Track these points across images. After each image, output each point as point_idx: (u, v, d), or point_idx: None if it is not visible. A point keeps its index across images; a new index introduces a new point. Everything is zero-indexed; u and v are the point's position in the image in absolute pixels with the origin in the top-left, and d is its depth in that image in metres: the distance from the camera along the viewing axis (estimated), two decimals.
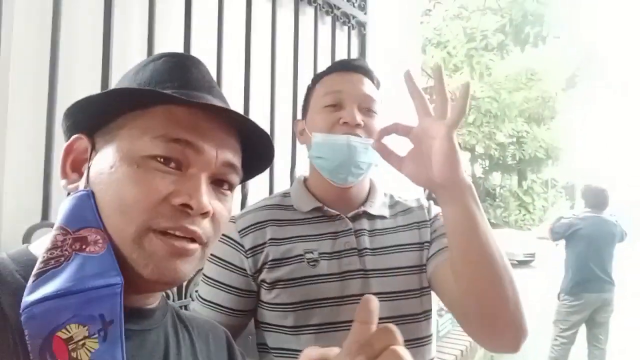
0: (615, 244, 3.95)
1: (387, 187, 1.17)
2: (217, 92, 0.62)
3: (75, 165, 0.58)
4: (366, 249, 1.01)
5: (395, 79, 2.64)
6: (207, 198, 0.54)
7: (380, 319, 0.95)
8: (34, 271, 0.48)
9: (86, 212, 0.53)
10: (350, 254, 1.00)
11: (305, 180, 1.13)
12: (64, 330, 0.45)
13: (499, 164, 17.51)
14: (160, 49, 1.37)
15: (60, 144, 0.64)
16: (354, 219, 1.04)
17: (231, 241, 1.01)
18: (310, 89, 1.10)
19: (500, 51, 7.75)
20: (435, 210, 1.11)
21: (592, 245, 3.90)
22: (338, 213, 1.04)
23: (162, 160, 0.53)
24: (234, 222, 1.02)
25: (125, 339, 0.50)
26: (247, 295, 0.99)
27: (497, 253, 0.84)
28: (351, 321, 0.85)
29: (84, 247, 0.50)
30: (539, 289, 4.44)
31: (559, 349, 3.92)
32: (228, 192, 0.59)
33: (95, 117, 0.57)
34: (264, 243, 1.00)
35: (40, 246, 0.55)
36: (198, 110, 0.56)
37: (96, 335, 0.46)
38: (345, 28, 2.28)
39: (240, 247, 1.00)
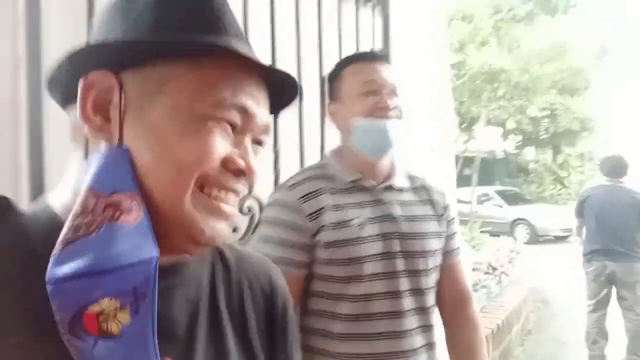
0: (636, 213, 3.78)
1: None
2: (244, 33, 0.59)
3: (98, 106, 0.50)
4: (400, 216, 1.21)
5: (417, 55, 2.60)
6: (254, 161, 0.54)
7: (413, 271, 1.16)
8: (62, 237, 0.44)
9: (121, 173, 0.48)
10: (388, 220, 1.19)
11: (337, 154, 1.29)
12: (94, 305, 0.43)
13: (532, 138, 17.05)
14: None
15: None
16: (385, 190, 1.23)
17: (293, 207, 1.16)
18: (337, 74, 1.26)
19: (530, 20, 7.50)
20: (449, 204, 1.34)
21: (602, 213, 3.82)
22: (375, 184, 1.23)
23: (223, 123, 0.52)
24: (291, 191, 1.18)
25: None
26: (308, 251, 1.15)
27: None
28: (391, 273, 1.16)
29: (117, 214, 0.46)
30: (575, 265, 4.36)
31: (588, 318, 3.89)
32: (261, 148, 0.59)
33: (122, 55, 0.51)
34: (321, 208, 1.16)
35: (59, 198, 0.52)
36: (245, 66, 0.53)
37: (127, 308, 0.44)
38: (369, 4, 2.27)
39: (302, 212, 1.15)
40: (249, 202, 1.66)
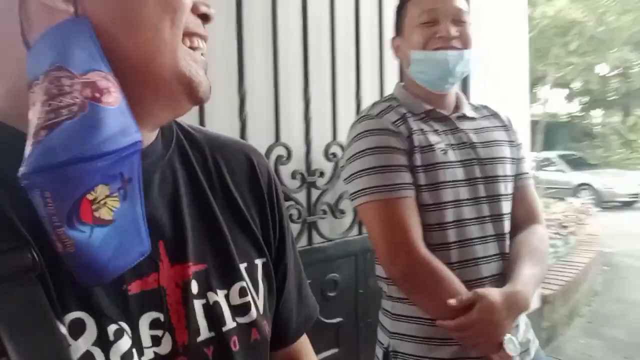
0: None
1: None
2: None
3: None
4: (476, 142, 1.20)
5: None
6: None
7: (494, 196, 1.19)
8: (43, 122, 0.39)
9: (89, 49, 0.42)
10: (466, 147, 1.18)
11: (406, 88, 1.26)
12: (92, 192, 0.40)
13: (600, 99, 16.03)
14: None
15: None
16: (458, 119, 1.22)
17: (390, 131, 1.14)
18: (400, 8, 1.23)
19: None
20: (516, 130, 1.32)
21: None
22: (446, 114, 1.21)
23: None
24: (381, 118, 1.16)
25: None
26: (412, 173, 1.12)
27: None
28: (472, 199, 1.16)
29: (97, 95, 0.41)
30: None
31: None
32: None
33: None
34: (412, 132, 1.14)
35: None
36: None
37: (116, 194, 0.42)
38: None
39: (401, 134, 1.13)
40: (333, 149, 1.69)
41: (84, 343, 0.42)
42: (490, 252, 1.15)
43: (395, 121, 1.15)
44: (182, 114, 0.52)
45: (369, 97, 1.77)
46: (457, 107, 1.25)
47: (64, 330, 0.41)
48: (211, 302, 0.52)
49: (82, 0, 0.43)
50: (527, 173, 1.29)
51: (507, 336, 1.04)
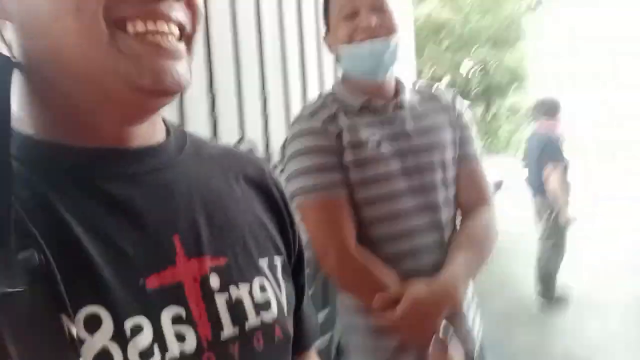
0: (540, 156, 4.10)
1: None
2: None
3: None
4: (411, 130, 1.19)
5: None
6: None
7: (430, 184, 1.14)
8: None
9: None
10: (401, 136, 1.17)
11: (344, 81, 1.25)
12: None
13: (465, 93, 17.55)
14: None
15: None
16: (395, 108, 1.20)
17: (319, 130, 1.14)
18: (326, 4, 1.21)
19: None
20: (462, 108, 1.28)
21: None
22: (383, 104, 1.19)
23: None
24: (313, 117, 1.15)
25: (133, 182, 0.47)
26: (344, 171, 1.13)
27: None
28: (408, 190, 1.11)
29: None
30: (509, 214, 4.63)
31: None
32: None
33: None
34: (342, 130, 1.14)
35: None
36: None
37: None
38: None
39: (329, 133, 1.13)
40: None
41: (101, 338, 0.40)
42: (429, 242, 1.14)
43: (325, 120, 1.15)
44: (151, 106, 0.47)
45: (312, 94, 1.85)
46: (396, 94, 1.23)
47: (75, 330, 0.38)
48: (233, 297, 0.50)
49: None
50: (472, 154, 1.25)
51: (443, 325, 1.00)
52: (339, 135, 1.13)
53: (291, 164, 1.14)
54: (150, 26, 0.43)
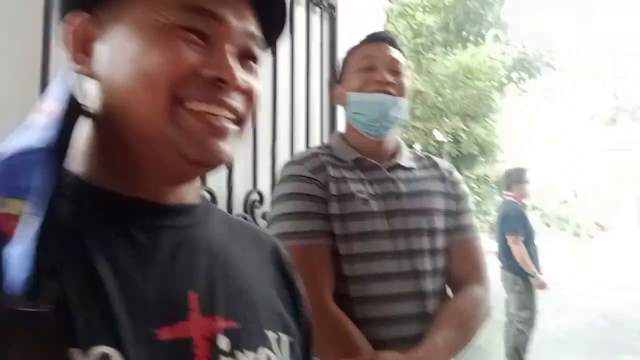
0: (501, 227, 4.21)
1: None
2: None
3: (79, 44, 0.52)
4: (403, 193, 1.18)
5: None
6: (239, 71, 0.51)
7: (416, 250, 1.09)
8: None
9: (61, 83, 0.48)
10: (391, 197, 1.17)
11: (342, 136, 1.29)
12: (3, 205, 0.41)
13: None
14: None
15: None
16: (390, 169, 1.22)
17: (307, 178, 1.13)
18: (345, 59, 1.28)
19: (445, 47, 8.01)
20: (458, 181, 1.30)
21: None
22: (377, 163, 1.21)
23: (187, 30, 0.49)
24: (301, 165, 1.16)
25: (163, 234, 0.51)
26: (329, 220, 1.11)
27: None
28: (393, 252, 1.06)
29: (33, 118, 0.46)
30: None
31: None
32: (256, 66, 0.56)
33: None
34: (329, 180, 1.14)
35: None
36: None
37: (29, 207, 0.42)
38: (318, 10, 2.31)
39: (317, 182, 1.13)
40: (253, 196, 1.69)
41: None
42: (410, 310, 1.07)
43: (314, 169, 1.16)
44: (192, 173, 0.55)
45: (285, 148, 1.86)
46: (394, 155, 1.24)
47: None
48: None
49: (106, 61, 0.50)
50: (469, 227, 1.22)
51: None
52: (327, 185, 1.13)
53: (276, 207, 1.13)
54: (207, 108, 0.50)
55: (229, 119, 0.51)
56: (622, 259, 12.04)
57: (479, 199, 17.69)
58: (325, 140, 1.88)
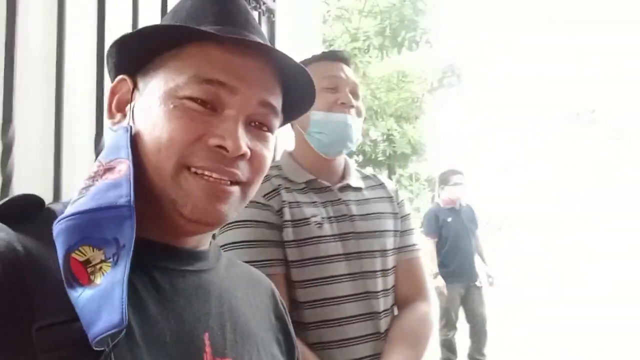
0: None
1: None
2: (254, 27, 0.59)
3: (120, 106, 0.59)
4: (355, 215, 1.18)
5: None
6: (243, 140, 0.53)
7: (369, 272, 1.11)
8: (71, 201, 0.49)
9: (120, 144, 0.53)
10: (344, 220, 1.16)
11: (291, 155, 1.25)
12: (78, 252, 0.44)
13: (372, 159, 18.52)
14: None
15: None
16: (341, 190, 1.20)
17: (260, 204, 1.10)
18: None
19: (380, 52, 8.24)
20: (403, 202, 1.32)
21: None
22: (329, 184, 1.19)
23: (197, 101, 0.53)
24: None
25: (181, 278, 0.55)
26: (284, 248, 1.10)
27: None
28: (347, 275, 1.07)
29: (109, 175, 0.50)
30: None
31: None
32: (268, 134, 0.58)
33: (135, 58, 0.57)
34: (283, 206, 1.11)
35: None
36: (234, 48, 0.54)
37: (111, 259, 0.45)
38: (256, 13, 2.29)
39: (271, 208, 1.11)
40: None
41: None
42: (365, 331, 1.10)
43: (267, 194, 1.12)
44: (191, 230, 0.57)
45: None
46: (343, 176, 1.23)
47: None
48: None
49: (137, 121, 0.55)
50: (413, 246, 1.25)
51: None
52: (281, 211, 1.10)
53: (230, 234, 1.08)
54: (210, 174, 0.54)
55: (231, 181, 0.55)
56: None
57: (411, 195, 18.35)
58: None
